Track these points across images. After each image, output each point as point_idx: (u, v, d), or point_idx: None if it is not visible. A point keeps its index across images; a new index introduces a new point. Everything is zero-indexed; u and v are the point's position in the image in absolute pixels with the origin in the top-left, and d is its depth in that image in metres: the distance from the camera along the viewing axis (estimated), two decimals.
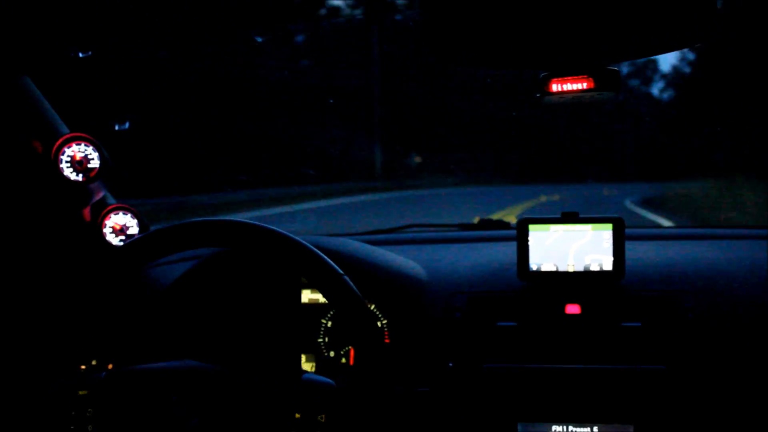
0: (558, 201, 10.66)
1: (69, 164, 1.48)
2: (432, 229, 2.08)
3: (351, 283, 1.04)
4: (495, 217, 1.98)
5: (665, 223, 6.94)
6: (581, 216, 1.38)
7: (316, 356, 1.49)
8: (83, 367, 1.38)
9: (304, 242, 1.06)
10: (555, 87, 1.05)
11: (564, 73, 1.04)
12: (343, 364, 1.48)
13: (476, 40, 1.01)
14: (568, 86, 1.04)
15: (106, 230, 1.58)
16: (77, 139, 1.49)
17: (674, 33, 0.98)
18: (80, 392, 1.04)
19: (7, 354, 1.38)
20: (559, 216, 1.39)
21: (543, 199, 10.68)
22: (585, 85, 1.04)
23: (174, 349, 1.46)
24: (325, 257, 1.05)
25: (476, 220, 1.97)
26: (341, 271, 1.04)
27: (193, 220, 1.09)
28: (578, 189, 11.26)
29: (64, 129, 1.52)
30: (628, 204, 9.50)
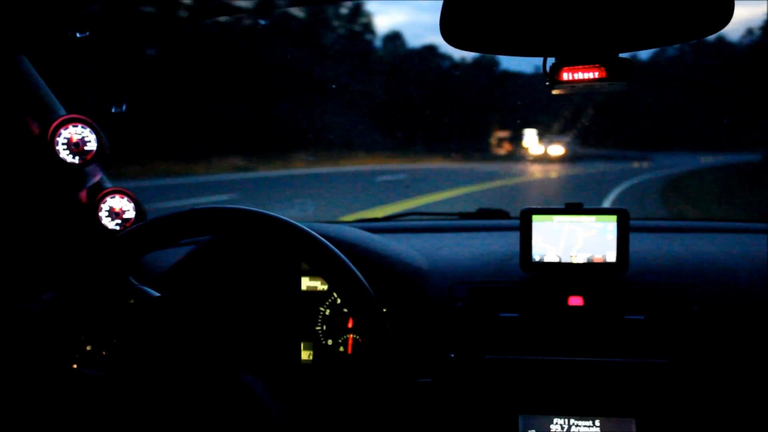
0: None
1: (65, 146, 1.46)
2: (431, 217, 2.06)
3: (357, 271, 1.02)
4: None
5: None
6: (585, 207, 1.37)
7: (314, 344, 1.48)
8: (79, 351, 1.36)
9: (307, 229, 1.05)
10: (566, 75, 1.03)
11: (575, 62, 1.02)
12: (341, 352, 1.47)
13: (489, 27, 0.99)
14: (579, 75, 1.03)
15: (102, 213, 1.56)
16: (74, 121, 1.46)
17: (688, 22, 0.96)
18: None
19: (4, 338, 1.37)
20: (563, 206, 1.38)
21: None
22: (597, 75, 1.02)
23: (170, 337, 1.44)
24: (329, 244, 1.03)
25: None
26: (346, 259, 1.02)
27: (194, 207, 1.07)
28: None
29: (61, 110, 1.49)
30: None
